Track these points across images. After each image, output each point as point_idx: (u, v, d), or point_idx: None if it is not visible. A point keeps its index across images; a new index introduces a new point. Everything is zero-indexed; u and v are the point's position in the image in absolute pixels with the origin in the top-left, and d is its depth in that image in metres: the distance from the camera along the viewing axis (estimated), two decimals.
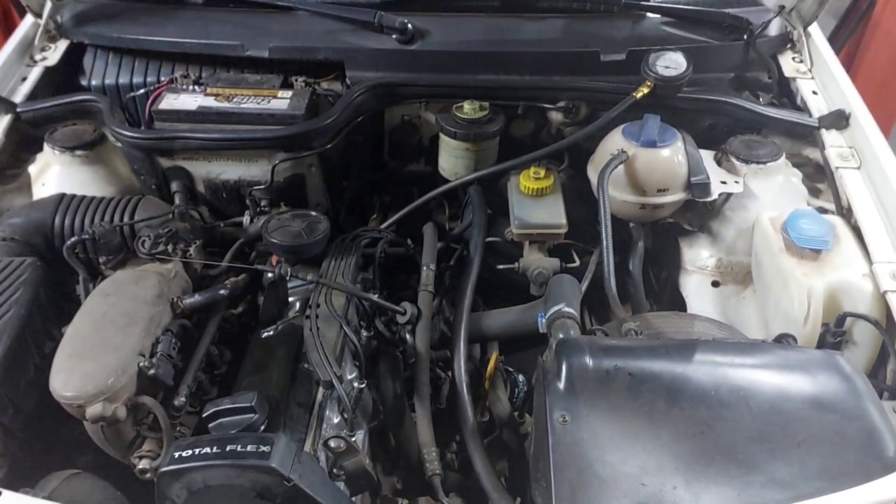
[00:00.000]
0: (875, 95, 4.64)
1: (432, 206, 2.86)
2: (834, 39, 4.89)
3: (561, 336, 2.08)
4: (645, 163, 2.47)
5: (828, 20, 4.88)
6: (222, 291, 2.20)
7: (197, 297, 2.15)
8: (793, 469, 1.58)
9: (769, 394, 1.71)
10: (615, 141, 2.53)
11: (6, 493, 1.64)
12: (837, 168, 2.48)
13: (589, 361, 1.76)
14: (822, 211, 2.46)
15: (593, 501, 1.54)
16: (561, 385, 1.74)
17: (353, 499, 1.87)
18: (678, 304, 2.64)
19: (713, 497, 1.54)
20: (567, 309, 2.17)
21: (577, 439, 1.64)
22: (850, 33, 4.92)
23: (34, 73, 2.88)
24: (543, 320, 2.22)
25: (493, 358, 2.30)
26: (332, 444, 1.77)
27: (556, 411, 1.69)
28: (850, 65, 5.00)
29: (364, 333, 2.23)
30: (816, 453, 1.61)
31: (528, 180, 2.58)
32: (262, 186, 2.56)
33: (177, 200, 2.57)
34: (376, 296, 2.30)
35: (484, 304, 2.64)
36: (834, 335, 2.16)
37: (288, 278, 2.26)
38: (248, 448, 1.56)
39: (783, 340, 2.00)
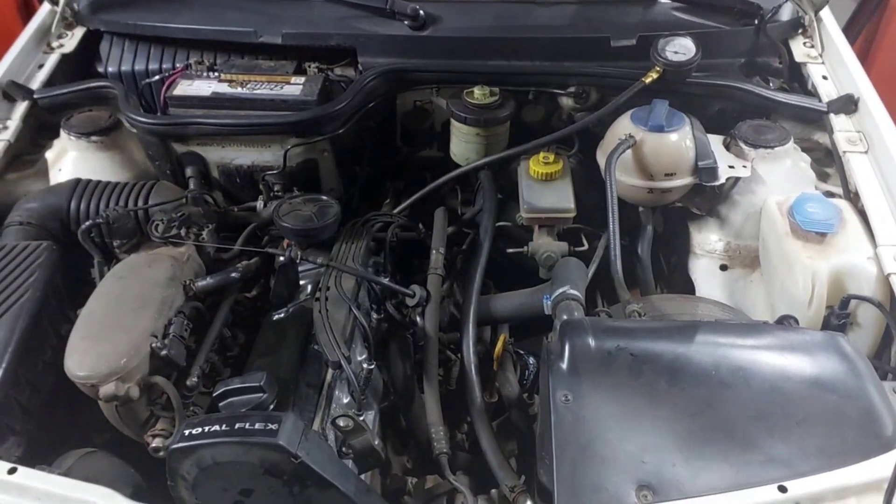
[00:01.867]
0: (893, 80, 4.63)
1: (445, 191, 2.88)
2: (852, 24, 4.88)
3: (565, 317, 2.11)
4: (653, 147, 2.48)
5: (846, 4, 4.86)
6: (234, 274, 2.22)
7: (209, 280, 2.18)
8: (791, 448, 1.60)
9: (769, 374, 1.73)
10: (623, 126, 2.54)
11: (21, 468, 1.68)
12: (845, 152, 2.48)
13: (591, 342, 1.79)
14: (830, 195, 2.46)
15: (594, 478, 1.57)
16: (564, 365, 1.76)
17: (362, 476, 1.90)
18: (688, 287, 2.65)
19: (712, 475, 1.57)
20: (572, 291, 2.20)
21: (578, 418, 1.66)
22: (869, 18, 4.89)
23: (51, 61, 2.92)
24: (549, 302, 2.24)
25: (501, 339, 2.32)
26: (340, 422, 1.81)
27: (559, 391, 1.71)
28: (868, 50, 4.97)
29: (374, 316, 2.26)
30: (815, 432, 1.63)
31: (537, 165, 2.59)
32: (274, 171, 2.59)
33: (191, 185, 2.60)
34: (387, 279, 2.33)
35: (495, 288, 2.67)
36: (838, 317, 2.17)
37: (298, 261, 2.29)
38: (257, 426, 1.59)
39: (785, 322, 2.02)
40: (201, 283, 2.16)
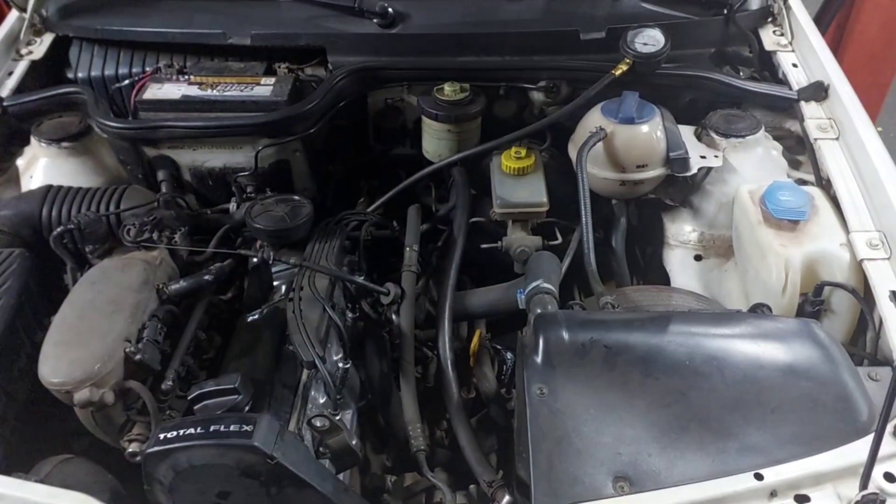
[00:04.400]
0: (866, 67, 4.65)
1: (420, 188, 2.88)
2: (824, 12, 4.88)
3: (538, 311, 2.11)
4: (623, 139, 2.48)
5: None
6: (207, 277, 2.21)
7: (182, 283, 2.16)
8: (766, 435, 1.61)
9: (743, 362, 1.74)
10: (594, 119, 2.54)
11: None
12: (816, 139, 2.48)
13: (565, 335, 1.79)
14: (802, 182, 2.47)
15: (571, 471, 1.57)
16: (538, 359, 1.76)
17: (340, 476, 1.90)
18: (664, 279, 2.66)
19: (688, 464, 1.57)
20: (545, 284, 2.19)
21: (554, 411, 1.67)
22: (840, 5, 4.90)
23: (20, 68, 2.89)
24: (522, 297, 2.24)
25: (477, 335, 2.32)
26: (316, 422, 1.80)
27: (534, 384, 1.72)
28: (840, 37, 4.98)
29: (350, 315, 2.26)
30: (790, 419, 1.64)
31: (509, 160, 2.60)
32: (247, 173, 2.59)
33: (163, 189, 2.58)
34: (362, 277, 2.33)
35: (472, 284, 2.66)
36: (812, 304, 2.17)
37: (271, 262, 2.29)
38: (231, 428, 1.58)
39: (758, 310, 2.03)
40: (175, 287, 2.14)
